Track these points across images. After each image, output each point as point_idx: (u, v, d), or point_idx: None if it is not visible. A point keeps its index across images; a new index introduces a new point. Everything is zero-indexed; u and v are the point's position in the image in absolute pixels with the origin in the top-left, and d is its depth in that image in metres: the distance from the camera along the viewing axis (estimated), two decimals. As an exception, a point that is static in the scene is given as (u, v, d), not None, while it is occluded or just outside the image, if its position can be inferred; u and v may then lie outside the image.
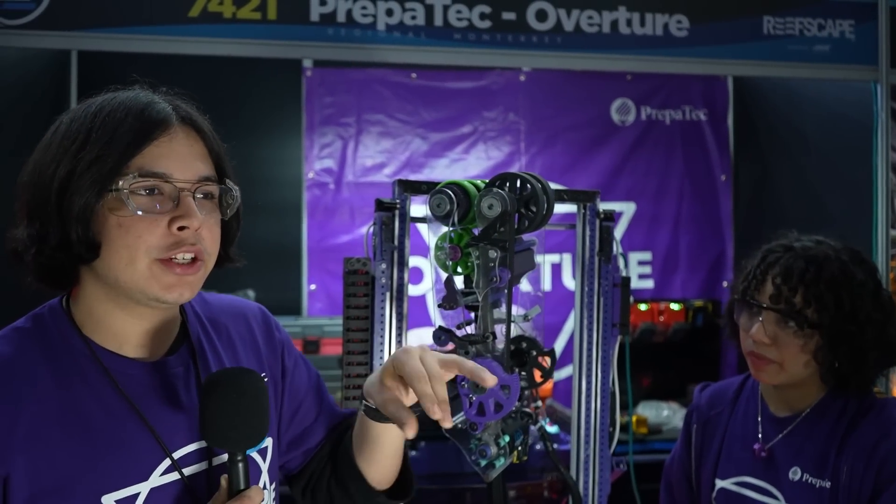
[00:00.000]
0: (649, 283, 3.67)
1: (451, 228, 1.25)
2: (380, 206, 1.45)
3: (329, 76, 3.45)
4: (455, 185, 1.25)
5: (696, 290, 3.70)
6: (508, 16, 2.51)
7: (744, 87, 3.66)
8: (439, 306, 1.29)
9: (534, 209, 1.21)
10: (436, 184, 1.46)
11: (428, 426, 1.00)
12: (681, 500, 1.54)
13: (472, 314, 1.31)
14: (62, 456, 0.86)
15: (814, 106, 3.24)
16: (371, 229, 1.48)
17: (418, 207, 1.57)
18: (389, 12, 2.45)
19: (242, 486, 0.88)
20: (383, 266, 1.44)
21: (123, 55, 2.42)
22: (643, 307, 3.26)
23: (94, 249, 0.88)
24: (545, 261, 3.62)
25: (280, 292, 3.42)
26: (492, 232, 1.17)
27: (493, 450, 1.23)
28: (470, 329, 1.29)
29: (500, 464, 1.25)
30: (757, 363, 1.37)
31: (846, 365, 1.31)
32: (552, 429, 2.36)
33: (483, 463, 1.25)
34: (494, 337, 1.22)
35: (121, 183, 0.87)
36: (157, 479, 0.90)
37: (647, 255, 3.67)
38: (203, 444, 0.94)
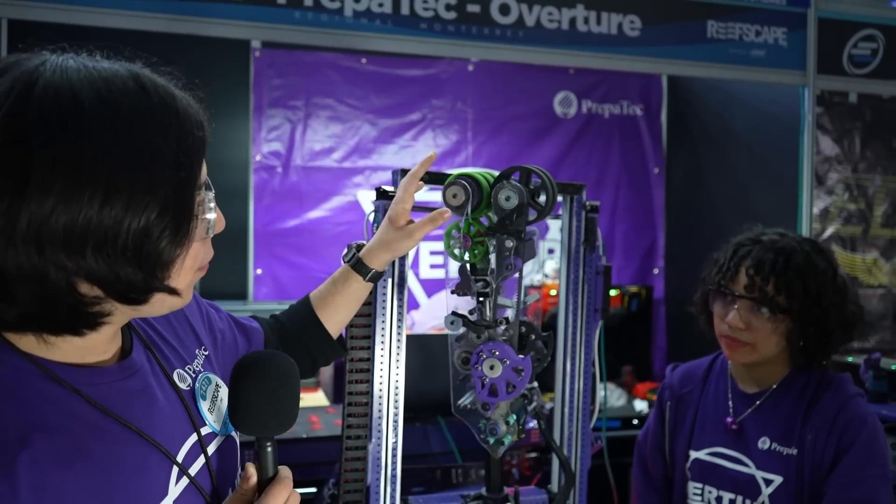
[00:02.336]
0: (587, 270, 3.81)
1: (464, 217, 1.31)
2: (381, 194, 1.47)
3: (278, 58, 3.41)
4: (469, 177, 1.30)
5: (630, 276, 3.90)
6: (473, 8, 2.56)
7: (677, 85, 3.87)
8: (453, 293, 1.35)
9: (542, 200, 1.28)
10: (436, 174, 1.51)
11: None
12: (655, 472, 1.66)
13: (478, 300, 1.37)
14: (76, 498, 0.72)
15: (743, 106, 3.47)
16: (371, 217, 1.50)
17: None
18: (357, -2, 2.45)
19: (272, 472, 0.83)
20: (386, 253, 1.47)
21: (60, 26, 2.27)
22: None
23: (165, 288, 0.76)
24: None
25: (225, 277, 3.36)
26: (507, 222, 1.24)
27: (503, 428, 1.30)
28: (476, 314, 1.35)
29: (508, 441, 1.33)
30: (732, 345, 1.50)
31: (813, 343, 1.46)
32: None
33: (492, 440, 1.32)
34: (507, 321, 1.29)
35: (200, 207, 0.75)
36: (174, 490, 0.81)
37: (585, 243, 3.81)
38: (195, 437, 0.86)
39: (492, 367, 1.26)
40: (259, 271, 3.43)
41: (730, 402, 1.56)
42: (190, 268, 0.78)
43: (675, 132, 3.92)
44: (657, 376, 3.81)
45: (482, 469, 2.23)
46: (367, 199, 3.55)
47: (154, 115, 0.71)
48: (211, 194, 0.78)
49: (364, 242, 1.29)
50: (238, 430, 0.87)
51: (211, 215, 0.78)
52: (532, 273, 3.73)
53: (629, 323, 3.64)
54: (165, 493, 0.80)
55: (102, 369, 0.80)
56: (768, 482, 1.45)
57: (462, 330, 1.32)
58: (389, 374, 1.48)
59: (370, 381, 1.46)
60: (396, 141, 3.59)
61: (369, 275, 1.25)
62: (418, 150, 3.61)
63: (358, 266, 1.24)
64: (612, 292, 3.55)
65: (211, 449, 0.89)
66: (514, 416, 1.33)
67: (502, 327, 1.32)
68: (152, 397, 0.83)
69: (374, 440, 1.49)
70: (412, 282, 3.62)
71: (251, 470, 0.83)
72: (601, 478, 1.88)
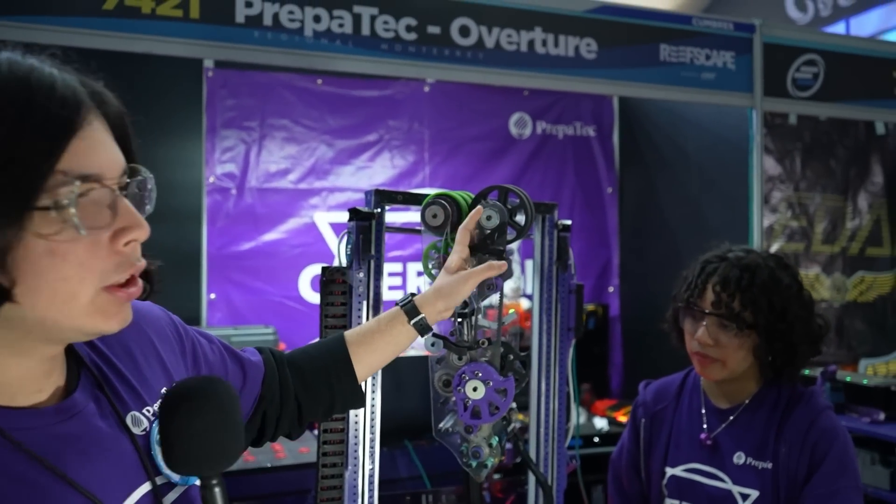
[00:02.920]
0: (545, 289, 3.85)
1: (443, 237, 1.29)
2: (356, 215, 1.45)
3: (232, 78, 3.35)
4: (448, 197, 1.29)
5: (586, 295, 3.92)
6: (433, 29, 2.57)
7: (628, 107, 3.96)
8: (436, 313, 1.33)
9: (520, 219, 1.28)
10: (410, 194, 1.50)
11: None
12: (630, 489, 1.66)
13: (456, 321, 1.36)
14: None
15: (693, 127, 3.57)
16: (345, 238, 1.48)
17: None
18: (317, 18, 2.43)
19: None
20: (361, 275, 1.45)
21: (5, 43, 2.20)
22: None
23: (6, 293, 0.66)
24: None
25: (178, 301, 3.25)
26: (488, 242, 1.23)
27: (486, 451, 1.28)
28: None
29: (491, 463, 1.31)
30: (702, 362, 1.52)
31: (780, 358, 1.49)
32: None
33: (475, 464, 1.30)
34: (489, 342, 1.28)
35: (53, 196, 0.65)
36: None
37: (542, 263, 3.85)
38: (148, 486, 0.79)
39: (475, 389, 1.24)
40: (213, 296, 3.34)
41: (703, 418, 1.58)
42: (76, 277, 0.67)
43: (628, 152, 4.00)
44: (615, 393, 3.85)
45: (453, 494, 2.20)
46: (324, 220, 3.51)
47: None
48: (97, 187, 0.68)
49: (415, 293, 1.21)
50: (174, 470, 0.78)
51: (73, 214, 0.66)
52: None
53: (586, 341, 3.67)
54: None
55: (36, 411, 0.71)
56: (745, 496, 1.47)
57: (443, 352, 1.30)
58: (368, 396, 1.44)
59: (346, 407, 1.42)
60: (353, 162, 3.57)
61: (417, 320, 1.13)
62: (375, 171, 3.59)
63: (410, 310, 1.14)
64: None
65: (168, 500, 0.81)
66: (497, 438, 1.32)
67: (483, 348, 1.30)
68: (95, 443, 0.75)
69: (350, 468, 1.45)
70: None
71: None
72: (575, 495, 1.87)
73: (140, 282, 0.75)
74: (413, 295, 1.16)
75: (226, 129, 3.36)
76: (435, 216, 1.28)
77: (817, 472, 1.41)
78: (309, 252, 3.46)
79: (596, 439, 3.04)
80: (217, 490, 0.75)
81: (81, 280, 0.68)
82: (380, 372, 1.43)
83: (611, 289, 4.01)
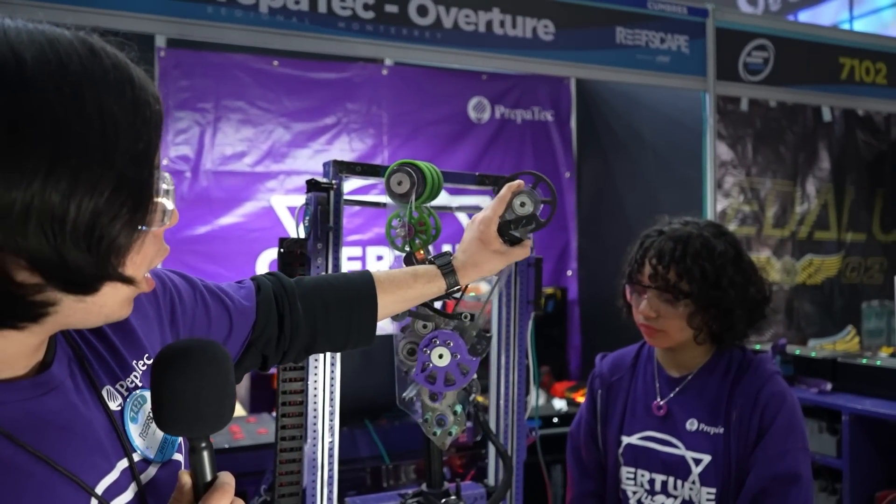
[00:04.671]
0: (504, 273, 3.87)
1: (407, 205, 1.29)
2: (314, 186, 1.43)
3: (185, 58, 3.27)
4: (412, 165, 1.29)
5: (545, 278, 3.95)
6: (391, 8, 2.55)
7: (585, 92, 4.00)
8: (395, 282, 1.32)
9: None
10: (370, 165, 1.49)
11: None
12: (588, 460, 1.68)
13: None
14: None
15: (649, 111, 3.62)
16: (303, 209, 1.46)
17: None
18: (273, -5, 2.39)
19: (209, 477, 0.73)
20: (319, 246, 1.43)
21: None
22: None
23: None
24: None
25: (130, 287, 3.18)
26: (511, 227, 1.20)
27: (451, 418, 1.29)
28: (437, 305, 1.33)
29: (455, 431, 1.31)
30: (648, 332, 1.57)
31: (716, 324, 1.52)
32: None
33: (439, 432, 1.30)
34: (472, 318, 1.27)
35: (155, 186, 0.67)
36: None
37: (501, 246, 3.87)
38: (126, 462, 0.77)
39: (440, 356, 1.24)
40: (167, 281, 3.26)
41: (657, 387, 1.61)
42: (144, 262, 0.70)
43: (585, 137, 4.04)
44: (573, 375, 3.89)
45: (413, 468, 2.20)
46: (282, 204, 3.46)
47: (107, 79, 0.63)
48: (168, 177, 0.71)
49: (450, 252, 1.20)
50: (164, 431, 0.75)
51: (168, 202, 0.69)
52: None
53: (545, 324, 3.70)
54: None
55: (11, 385, 0.68)
56: (697, 461, 1.50)
57: (407, 320, 1.30)
58: (325, 373, 1.43)
59: (305, 380, 1.41)
60: (311, 145, 3.53)
61: (453, 287, 1.15)
62: (333, 154, 3.55)
63: (449, 274, 1.14)
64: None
65: (146, 477, 0.79)
66: (461, 407, 1.32)
67: (465, 321, 1.30)
68: (72, 419, 0.72)
69: (309, 441, 1.44)
70: None
71: (185, 477, 0.72)
72: (534, 474, 1.89)
73: None
74: (449, 255, 1.17)
75: (179, 111, 3.28)
76: (400, 183, 1.28)
77: (766, 434, 1.45)
78: (266, 236, 3.41)
79: (555, 420, 3.07)
80: (205, 454, 0.73)
81: (145, 263, 0.70)
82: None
83: (569, 272, 4.06)
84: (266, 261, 3.41)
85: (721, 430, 1.50)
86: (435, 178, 1.32)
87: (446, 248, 3.79)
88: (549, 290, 3.71)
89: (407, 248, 1.32)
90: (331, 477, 1.46)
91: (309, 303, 1.04)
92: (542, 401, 3.41)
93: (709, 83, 3.08)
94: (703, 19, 3.06)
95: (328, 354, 1.44)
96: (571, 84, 3.99)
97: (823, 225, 4.05)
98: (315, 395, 1.43)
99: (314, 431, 1.45)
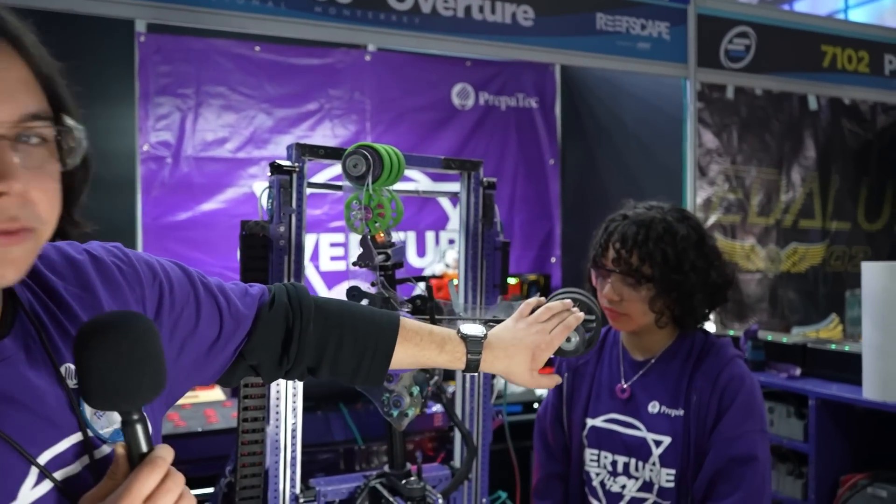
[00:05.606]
0: (487, 260, 3.88)
1: (364, 188, 1.29)
2: (277, 169, 1.44)
3: (165, 43, 3.26)
4: (369, 147, 1.29)
5: (528, 265, 3.98)
6: (370, -7, 2.54)
7: (570, 79, 3.99)
8: (354, 264, 1.33)
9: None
10: (333, 148, 1.49)
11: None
12: (555, 443, 1.70)
13: (379, 274, 1.36)
14: None
15: (632, 98, 3.62)
16: (266, 192, 1.46)
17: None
18: (248, -21, 2.39)
19: (144, 449, 0.71)
20: (282, 229, 1.44)
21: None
22: (485, 281, 3.45)
23: None
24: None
25: (112, 273, 3.18)
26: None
27: (407, 400, 1.30)
28: (379, 288, 1.34)
29: (412, 413, 1.32)
30: (612, 316, 1.57)
31: (677, 308, 1.53)
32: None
33: (396, 413, 1.31)
34: (421, 301, 1.28)
35: None
36: (29, 494, 0.70)
37: (485, 234, 3.88)
38: (78, 437, 0.75)
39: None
40: (149, 267, 3.26)
41: (622, 371, 1.62)
42: None
43: (569, 124, 4.04)
44: (555, 361, 3.91)
45: (385, 450, 2.21)
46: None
47: None
48: None
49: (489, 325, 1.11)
50: (90, 405, 0.74)
51: None
52: (434, 263, 3.75)
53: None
54: (13, 498, 0.68)
55: None
56: (658, 443, 1.52)
57: (364, 303, 1.30)
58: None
59: (267, 362, 1.42)
60: (293, 131, 3.52)
61: (470, 367, 1.05)
62: (316, 141, 3.55)
63: (474, 360, 1.04)
64: (512, 280, 3.61)
65: (98, 454, 0.77)
66: (418, 388, 1.33)
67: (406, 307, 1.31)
68: (20, 390, 0.71)
69: (272, 423, 1.45)
70: (312, 274, 3.56)
71: (120, 449, 0.71)
72: (504, 459, 1.91)
73: (25, 235, 0.68)
74: (482, 337, 1.05)
75: (160, 97, 3.27)
76: (356, 166, 1.28)
77: (725, 416, 1.46)
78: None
79: (536, 405, 3.08)
80: (138, 427, 0.71)
81: None
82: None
83: (553, 259, 4.07)
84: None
85: (681, 413, 1.51)
86: (394, 162, 1.33)
87: (429, 235, 3.79)
88: (532, 277, 3.71)
89: (367, 231, 1.33)
90: (293, 458, 1.47)
91: (324, 332, 0.99)
92: (522, 388, 3.42)
93: (690, 70, 3.08)
94: (685, 6, 3.06)
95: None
96: (556, 71, 3.99)
97: (808, 213, 4.06)
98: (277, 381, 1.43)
99: (276, 413, 1.46)
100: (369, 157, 1.26)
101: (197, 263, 3.30)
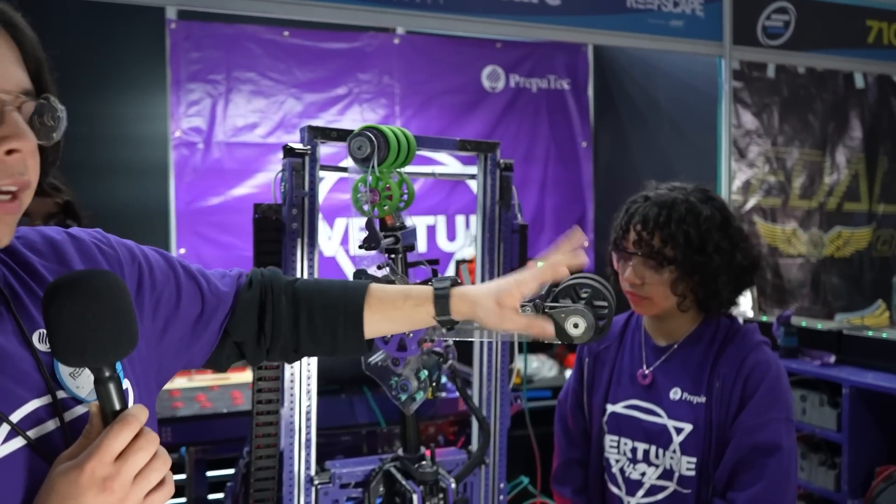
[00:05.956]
0: (518, 244, 3.85)
1: (370, 171, 1.28)
2: (289, 152, 1.43)
3: (196, 30, 3.29)
4: (374, 129, 1.28)
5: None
6: (393, -26, 2.52)
7: (603, 59, 3.91)
8: (360, 246, 1.32)
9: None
10: (345, 130, 1.48)
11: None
12: (575, 428, 1.67)
13: (387, 256, 1.35)
14: None
15: (666, 78, 3.53)
16: (280, 175, 1.46)
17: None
18: (271, -37, 2.38)
19: (118, 406, 0.70)
20: (294, 212, 1.44)
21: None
22: (514, 265, 3.42)
23: None
24: (420, 223, 3.71)
25: (146, 257, 3.24)
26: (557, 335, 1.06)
27: (414, 384, 1.29)
28: (387, 272, 1.33)
29: (420, 397, 1.31)
30: (633, 300, 1.53)
31: (700, 290, 1.48)
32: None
33: (404, 397, 1.30)
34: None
35: None
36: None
37: (516, 218, 3.85)
38: (45, 400, 0.75)
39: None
40: (182, 251, 3.32)
41: (643, 356, 1.58)
42: None
43: (602, 106, 3.96)
44: (575, 348, 3.86)
45: (408, 437, 2.22)
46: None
47: None
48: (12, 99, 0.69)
49: (459, 280, 1.06)
50: (62, 362, 0.74)
51: None
52: (464, 247, 3.73)
53: (560, 295, 3.66)
54: None
55: None
56: (679, 430, 1.48)
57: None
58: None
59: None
60: (322, 116, 3.53)
61: (445, 318, 1.02)
62: (345, 125, 3.53)
63: (442, 301, 1.01)
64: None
65: (71, 414, 0.77)
66: (426, 372, 1.32)
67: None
68: None
69: (286, 405, 1.46)
70: (343, 258, 3.58)
71: (93, 409, 0.71)
72: (528, 444, 1.89)
73: (19, 203, 0.72)
74: (452, 280, 1.03)
75: (191, 83, 3.30)
76: (360, 148, 1.27)
77: (748, 404, 1.42)
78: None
79: (565, 390, 3.06)
80: (111, 384, 0.71)
81: None
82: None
83: (585, 243, 3.99)
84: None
85: (703, 400, 1.47)
86: (402, 143, 1.31)
87: (459, 218, 3.77)
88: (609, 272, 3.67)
89: (376, 213, 1.32)
90: (308, 440, 1.48)
91: (296, 305, 1.01)
92: (554, 372, 3.40)
93: (725, 48, 2.98)
94: (720, -19, 2.96)
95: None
96: (589, 51, 3.91)
97: (854, 196, 3.92)
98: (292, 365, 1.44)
99: (291, 396, 1.46)
100: (374, 138, 1.24)
101: (230, 247, 3.35)
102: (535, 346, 3.51)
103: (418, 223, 3.82)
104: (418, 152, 1.39)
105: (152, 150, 3.28)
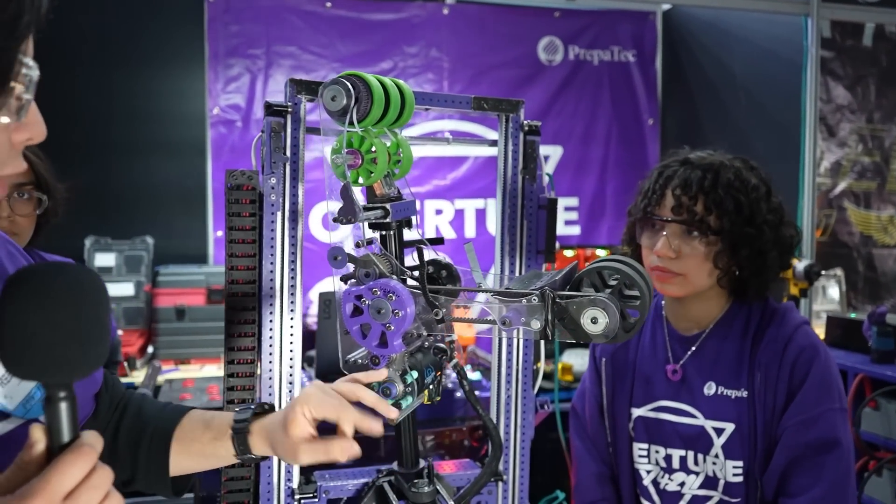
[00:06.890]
0: (576, 230, 3.57)
1: (347, 129, 1.05)
2: (269, 109, 1.23)
3: (235, 2, 3.16)
4: (354, 77, 1.05)
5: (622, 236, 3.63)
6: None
7: (672, 27, 3.57)
8: (334, 220, 1.10)
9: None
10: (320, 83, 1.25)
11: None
12: (595, 436, 1.44)
13: (377, 233, 1.14)
14: None
15: (743, 44, 3.18)
16: (259, 138, 1.26)
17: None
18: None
19: (68, 437, 0.57)
20: (273, 181, 1.23)
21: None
22: (569, 253, 3.16)
23: None
24: (469, 206, 3.47)
25: (183, 239, 3.14)
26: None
27: (399, 388, 1.06)
28: (375, 248, 1.11)
29: (408, 404, 1.08)
30: (663, 277, 1.31)
31: (747, 268, 1.29)
32: (473, 375, 2.22)
33: (389, 403, 1.08)
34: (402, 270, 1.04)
35: (15, 65, 0.60)
36: None
37: (573, 201, 3.57)
38: None
39: (379, 311, 1.01)
40: (220, 233, 3.21)
41: (668, 349, 1.36)
42: None
43: (671, 79, 3.63)
44: (589, 346, 3.56)
45: (432, 440, 2.00)
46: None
47: None
48: (35, 74, 0.61)
49: (266, 406, 0.99)
50: (11, 373, 0.60)
51: (28, 94, 0.60)
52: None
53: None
54: None
55: None
56: (719, 431, 1.27)
57: (350, 269, 1.07)
58: (282, 322, 1.24)
59: (257, 335, 1.22)
60: (366, 92, 3.34)
61: (242, 452, 0.94)
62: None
63: (240, 435, 0.93)
64: (601, 252, 3.29)
65: (2, 429, 0.70)
66: (415, 374, 1.09)
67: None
68: None
69: (264, 399, 1.26)
70: (349, 246, 3.40)
71: (37, 433, 0.57)
72: (557, 453, 1.64)
73: None
74: (264, 408, 0.95)
75: (230, 58, 3.18)
76: (334, 98, 1.04)
77: (797, 395, 1.22)
78: (319, 189, 3.26)
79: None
80: (62, 405, 0.57)
81: None
82: (298, 288, 1.23)
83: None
84: (318, 213, 3.29)
85: (744, 394, 1.26)
86: (393, 96, 1.08)
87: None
88: (625, 249, 3.37)
89: (360, 180, 1.10)
90: (291, 447, 1.27)
91: (117, 412, 0.98)
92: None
93: (812, 6, 2.61)
94: (808, -71, 2.59)
95: (285, 302, 1.24)
96: (657, 19, 3.57)
97: (963, 180, 3.49)
98: (270, 351, 1.23)
99: (270, 389, 1.26)
100: (352, 88, 1.01)
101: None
102: (572, 342, 3.22)
103: (467, 206, 3.64)
104: (454, 124, 1.16)
105: (190, 128, 3.17)
